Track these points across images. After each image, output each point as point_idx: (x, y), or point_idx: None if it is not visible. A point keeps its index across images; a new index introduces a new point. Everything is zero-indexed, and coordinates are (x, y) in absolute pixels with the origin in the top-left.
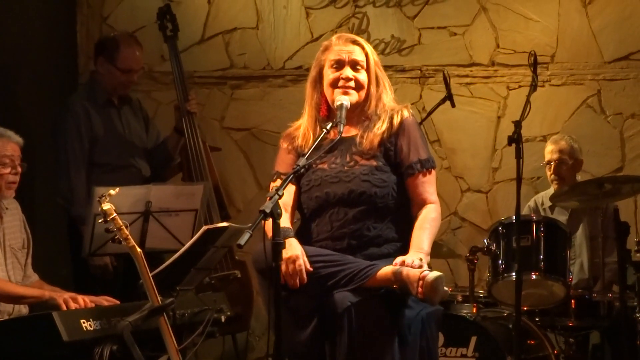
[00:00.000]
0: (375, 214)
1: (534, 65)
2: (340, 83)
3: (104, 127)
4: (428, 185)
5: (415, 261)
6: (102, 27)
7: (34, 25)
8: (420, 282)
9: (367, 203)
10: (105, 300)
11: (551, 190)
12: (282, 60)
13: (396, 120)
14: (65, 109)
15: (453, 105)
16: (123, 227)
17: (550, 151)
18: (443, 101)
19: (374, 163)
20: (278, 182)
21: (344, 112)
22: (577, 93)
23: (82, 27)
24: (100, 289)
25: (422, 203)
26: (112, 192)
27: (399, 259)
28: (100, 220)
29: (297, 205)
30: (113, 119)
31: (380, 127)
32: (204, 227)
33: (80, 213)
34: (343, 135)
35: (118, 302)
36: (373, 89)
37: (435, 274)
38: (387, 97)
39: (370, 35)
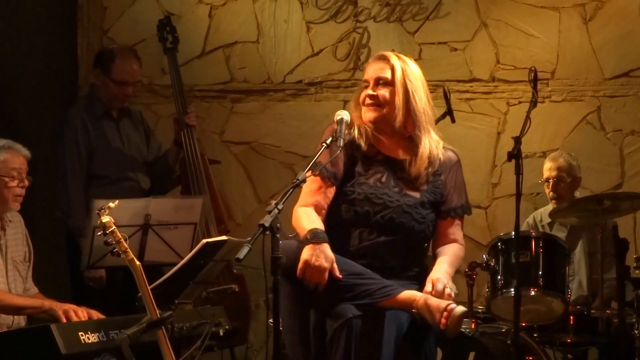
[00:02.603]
0: (405, 245)
1: (534, 81)
2: (366, 101)
3: (101, 140)
4: (460, 229)
5: (440, 285)
6: (102, 39)
7: (35, 37)
8: (445, 313)
9: (402, 234)
10: (95, 315)
11: (550, 206)
12: (282, 74)
13: (445, 160)
14: (63, 122)
15: (453, 120)
16: (122, 239)
17: (548, 169)
18: (443, 116)
19: (419, 197)
20: (313, 177)
21: (343, 126)
22: (577, 109)
23: (82, 39)
24: (99, 301)
25: (453, 241)
26: (111, 204)
27: (429, 284)
28: (99, 233)
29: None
30: (111, 132)
31: (424, 154)
32: (203, 241)
33: (77, 225)
34: (388, 153)
35: (104, 316)
36: (399, 101)
37: (462, 308)
38: (421, 110)
39: (370, 50)
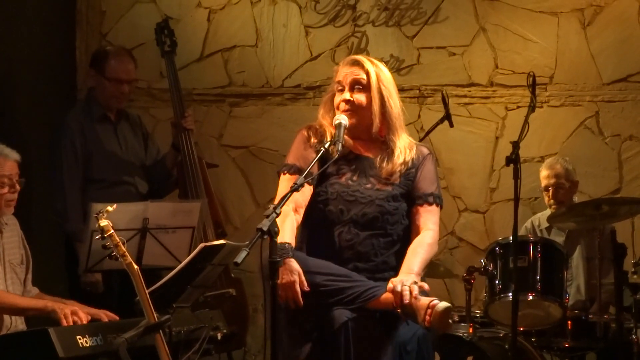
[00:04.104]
0: (384, 239)
1: (533, 86)
2: (341, 106)
3: (98, 144)
4: (432, 216)
5: (407, 282)
6: (101, 43)
7: (34, 41)
8: (429, 310)
9: (379, 228)
10: (105, 315)
11: (548, 211)
12: (280, 78)
13: (417, 155)
14: (60, 126)
15: (451, 125)
16: (120, 243)
17: (546, 177)
18: (441, 121)
19: (391, 190)
20: (287, 177)
21: (342, 131)
22: (576, 114)
23: (81, 43)
24: (96, 305)
25: (421, 228)
26: (109, 208)
27: (391, 282)
28: (97, 237)
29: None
30: (108, 135)
31: (399, 157)
32: (201, 245)
33: (74, 229)
34: (361, 153)
35: (117, 317)
36: (375, 107)
37: (444, 304)
38: (395, 114)
39: (369, 55)
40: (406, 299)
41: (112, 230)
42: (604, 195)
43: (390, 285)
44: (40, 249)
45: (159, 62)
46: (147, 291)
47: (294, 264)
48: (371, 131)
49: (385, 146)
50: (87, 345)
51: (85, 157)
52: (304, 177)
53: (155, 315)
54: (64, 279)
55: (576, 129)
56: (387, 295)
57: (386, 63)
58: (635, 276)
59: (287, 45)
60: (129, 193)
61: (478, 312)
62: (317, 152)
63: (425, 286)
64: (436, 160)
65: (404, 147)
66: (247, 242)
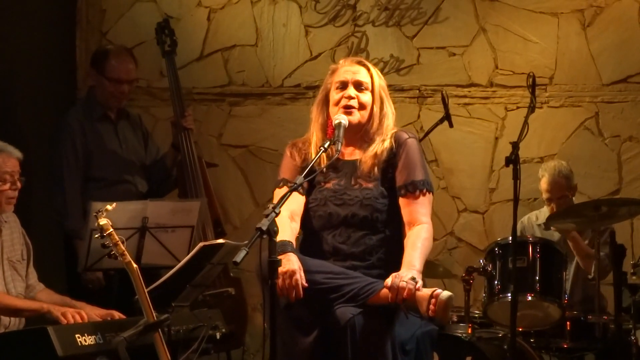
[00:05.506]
0: (377, 237)
1: (533, 86)
2: (343, 102)
3: (98, 142)
4: (420, 206)
5: (407, 277)
6: (101, 42)
7: (34, 40)
8: (433, 300)
9: (369, 227)
10: (117, 316)
11: (546, 209)
12: (280, 78)
13: (394, 143)
14: (61, 124)
15: (451, 125)
16: (119, 242)
17: (548, 191)
18: (441, 121)
19: (377, 187)
20: (284, 189)
21: (341, 131)
22: (575, 115)
23: (81, 42)
24: (96, 304)
25: (413, 223)
26: (109, 207)
27: (391, 277)
28: (96, 235)
29: (302, 219)
30: (109, 134)
31: (374, 149)
32: (200, 244)
33: (73, 227)
34: (347, 158)
35: (125, 317)
36: (376, 109)
37: (448, 292)
38: (390, 119)
39: (369, 55)
40: (408, 293)
41: (111, 229)
42: (603, 196)
43: (388, 281)
44: (40, 247)
45: (159, 61)
46: (146, 290)
47: (295, 257)
48: (366, 131)
49: (369, 145)
50: (86, 343)
51: (86, 156)
52: (304, 176)
53: (154, 314)
54: (63, 277)
55: (576, 129)
56: (385, 291)
57: (386, 63)
58: (634, 277)
59: (287, 44)
60: (128, 192)
61: (477, 313)
62: (315, 156)
63: (420, 283)
64: (419, 143)
65: (379, 138)
66: (246, 242)
